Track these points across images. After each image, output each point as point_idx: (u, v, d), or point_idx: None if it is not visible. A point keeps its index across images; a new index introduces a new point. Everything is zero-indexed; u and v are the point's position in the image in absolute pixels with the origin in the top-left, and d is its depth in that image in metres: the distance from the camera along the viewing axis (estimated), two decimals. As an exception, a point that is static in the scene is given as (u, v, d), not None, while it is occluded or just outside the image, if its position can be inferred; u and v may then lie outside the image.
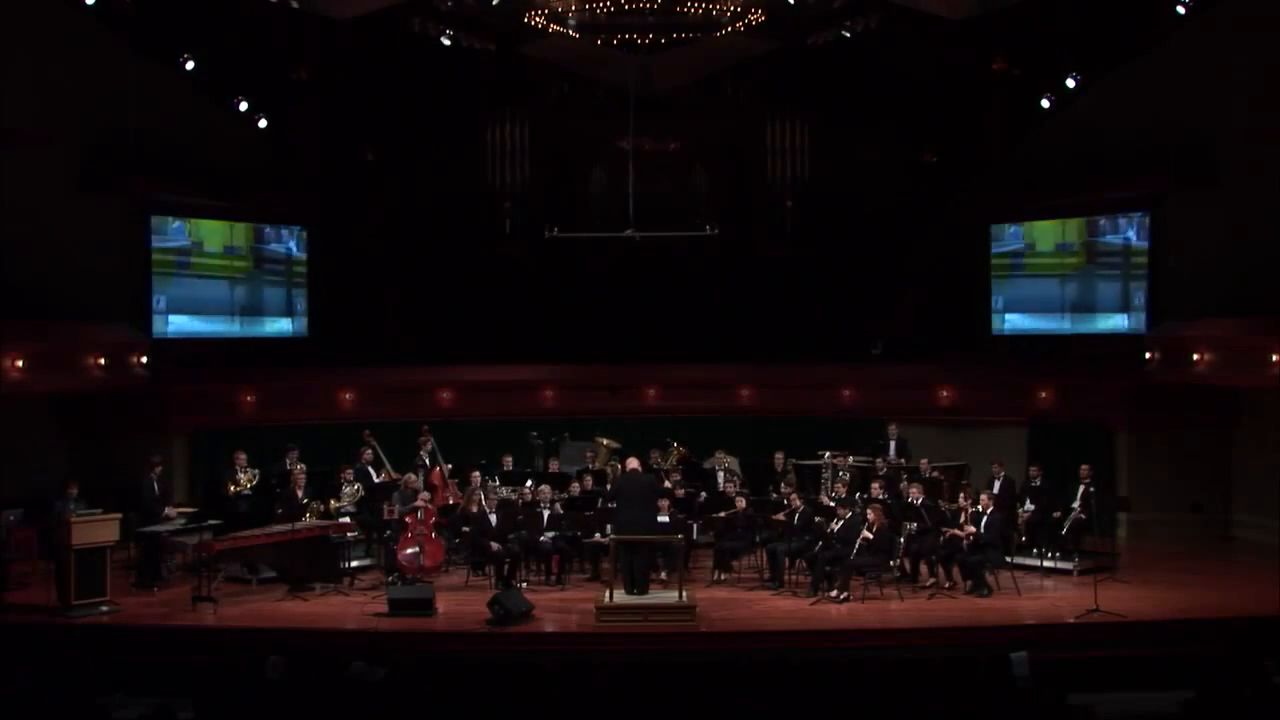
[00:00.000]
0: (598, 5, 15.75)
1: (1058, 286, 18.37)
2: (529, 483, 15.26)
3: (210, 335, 18.33)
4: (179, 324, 17.85)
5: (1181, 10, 15.60)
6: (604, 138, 19.78)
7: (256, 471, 15.33)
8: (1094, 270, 18.01)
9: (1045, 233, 18.56)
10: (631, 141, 18.65)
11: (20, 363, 14.40)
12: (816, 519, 13.85)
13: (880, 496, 14.22)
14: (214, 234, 18.37)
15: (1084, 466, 14.71)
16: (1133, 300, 17.33)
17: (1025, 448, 17.21)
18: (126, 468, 15.42)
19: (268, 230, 19.02)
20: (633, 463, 13.63)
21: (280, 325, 19.26)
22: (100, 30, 16.06)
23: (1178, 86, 16.23)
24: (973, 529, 13.45)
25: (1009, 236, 18.91)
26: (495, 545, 13.74)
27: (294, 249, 19.39)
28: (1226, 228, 15.76)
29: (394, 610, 12.65)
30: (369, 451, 15.62)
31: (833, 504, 14.29)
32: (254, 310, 18.91)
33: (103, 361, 15.83)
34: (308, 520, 14.00)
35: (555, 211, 19.17)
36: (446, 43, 18.19)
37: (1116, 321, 17.60)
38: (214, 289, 18.37)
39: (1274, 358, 14.28)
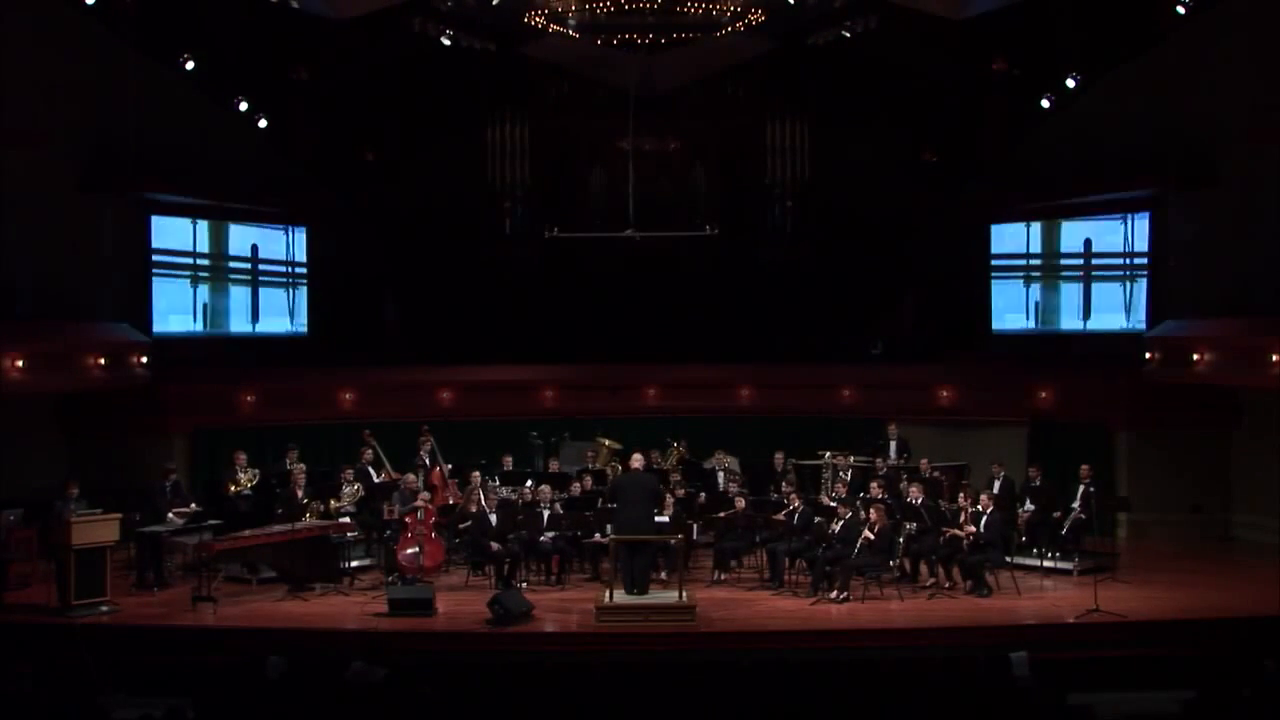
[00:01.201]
0: (598, 5, 15.73)
1: (1057, 286, 18.36)
2: (529, 483, 15.25)
3: (210, 335, 18.33)
4: (179, 324, 17.86)
5: (1181, 10, 15.60)
6: (604, 138, 19.79)
7: (256, 471, 15.34)
8: (1094, 270, 18.01)
9: (1045, 233, 18.56)
10: (631, 141, 18.68)
11: (20, 363, 14.38)
12: (817, 519, 13.84)
13: (881, 496, 14.21)
14: (213, 234, 18.38)
15: (1084, 466, 14.71)
16: (1133, 300, 17.32)
17: (1025, 448, 17.20)
18: (126, 468, 15.42)
19: (267, 230, 19.01)
20: (636, 461, 13.56)
21: (280, 325, 19.26)
22: (100, 30, 16.05)
23: (1178, 87, 16.25)
24: (973, 529, 13.44)
25: (1009, 236, 18.90)
26: (495, 545, 13.73)
27: (294, 249, 19.38)
28: (1226, 228, 15.75)
29: (394, 610, 12.64)
30: (369, 451, 15.63)
31: (833, 504, 14.29)
32: (253, 310, 18.92)
33: (103, 361, 15.81)
34: (308, 520, 13.99)
35: (555, 211, 19.18)
36: (446, 43, 18.17)
37: (1117, 321, 17.59)
38: (214, 289, 18.37)
39: (1274, 358, 14.27)
